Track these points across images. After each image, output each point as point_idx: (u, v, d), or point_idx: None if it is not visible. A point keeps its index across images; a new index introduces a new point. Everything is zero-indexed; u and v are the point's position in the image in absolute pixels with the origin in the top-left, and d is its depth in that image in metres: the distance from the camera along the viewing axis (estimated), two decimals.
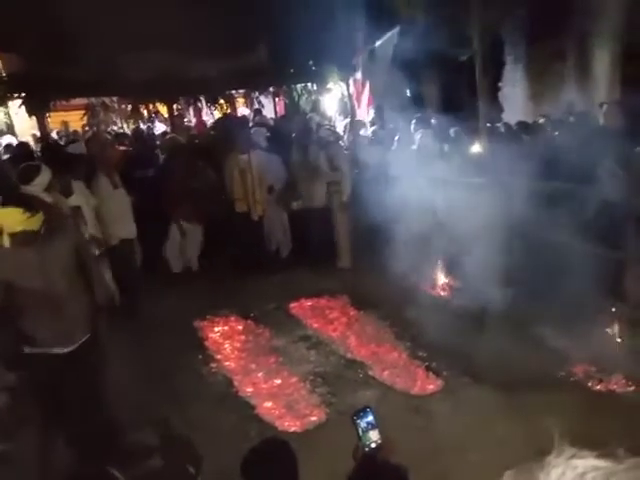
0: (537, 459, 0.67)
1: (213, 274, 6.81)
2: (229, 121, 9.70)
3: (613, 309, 4.81)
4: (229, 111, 10.98)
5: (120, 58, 8.45)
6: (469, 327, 4.94)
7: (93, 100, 10.48)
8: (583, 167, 5.01)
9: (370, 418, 2.00)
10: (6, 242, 3.26)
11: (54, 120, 11.37)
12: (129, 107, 10.84)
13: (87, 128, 10.59)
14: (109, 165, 6.07)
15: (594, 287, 4.39)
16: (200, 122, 11.00)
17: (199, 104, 10.87)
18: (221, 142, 7.87)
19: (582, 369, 4.41)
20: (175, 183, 6.84)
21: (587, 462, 0.57)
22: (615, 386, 4.19)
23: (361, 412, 2.02)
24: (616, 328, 4.74)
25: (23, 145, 8.83)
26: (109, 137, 9.40)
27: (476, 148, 7.05)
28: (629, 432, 3.24)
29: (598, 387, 4.21)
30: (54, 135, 10.79)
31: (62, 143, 9.09)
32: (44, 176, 4.64)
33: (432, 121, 8.34)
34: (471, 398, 4.18)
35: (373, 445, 1.97)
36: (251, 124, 9.84)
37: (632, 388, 4.14)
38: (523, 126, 8.19)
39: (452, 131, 7.98)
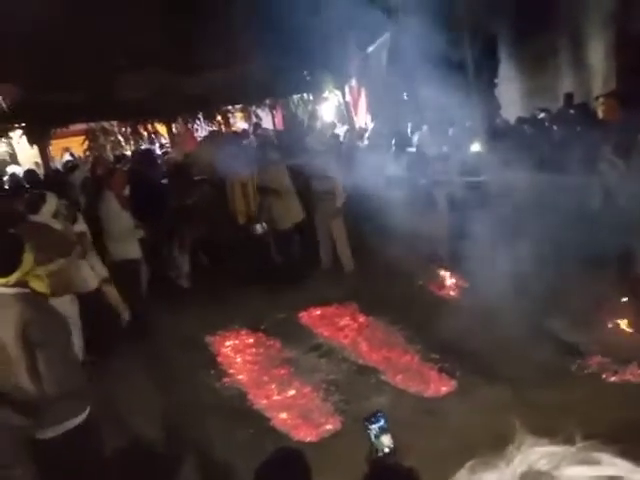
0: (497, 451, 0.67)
1: (219, 288, 6.81)
2: (216, 137, 9.76)
3: (624, 299, 4.77)
4: (216, 128, 11.03)
5: (115, 79, 8.52)
6: (479, 326, 4.91)
7: (93, 125, 10.57)
8: (583, 159, 5.00)
9: (382, 423, 1.99)
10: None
11: (56, 147, 11.47)
12: (129, 129, 10.93)
13: (88, 153, 10.66)
14: (118, 186, 6.11)
15: (603, 278, 4.37)
16: (183, 140, 11.01)
17: (197, 121, 10.94)
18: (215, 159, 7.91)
19: (596, 361, 4.37)
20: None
21: (543, 449, 0.57)
22: (631, 376, 4.14)
23: (372, 417, 2.00)
24: (628, 318, 4.71)
25: (31, 172, 8.91)
26: (110, 160, 9.47)
27: (476, 147, 7.05)
28: None
29: (613, 378, 4.16)
30: (59, 165, 10.80)
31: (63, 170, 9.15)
32: (50, 203, 4.70)
33: (429, 122, 8.35)
34: (485, 397, 4.14)
35: (386, 450, 1.96)
36: (251, 137, 9.89)
37: None
38: (522, 121, 8.20)
39: (450, 131, 7.99)
